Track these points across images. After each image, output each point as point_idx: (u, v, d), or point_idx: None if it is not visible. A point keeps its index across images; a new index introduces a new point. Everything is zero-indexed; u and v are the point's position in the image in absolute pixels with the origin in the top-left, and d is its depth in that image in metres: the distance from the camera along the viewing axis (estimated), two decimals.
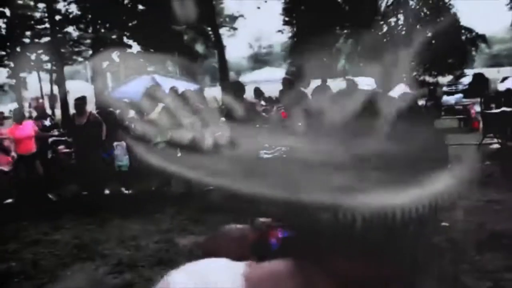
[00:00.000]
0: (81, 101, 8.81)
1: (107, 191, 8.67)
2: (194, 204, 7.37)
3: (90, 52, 24.53)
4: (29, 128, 8.94)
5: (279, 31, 24.84)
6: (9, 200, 8.54)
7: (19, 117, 9.03)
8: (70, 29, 24.73)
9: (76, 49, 24.52)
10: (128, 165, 8.66)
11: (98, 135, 8.47)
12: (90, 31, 23.97)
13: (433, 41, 17.48)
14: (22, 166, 8.71)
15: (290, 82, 7.06)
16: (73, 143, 9.19)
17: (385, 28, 20.02)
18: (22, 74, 24.56)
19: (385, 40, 19.75)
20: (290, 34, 24.33)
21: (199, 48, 26.78)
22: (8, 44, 22.84)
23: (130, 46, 24.35)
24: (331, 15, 19.83)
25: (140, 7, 24.71)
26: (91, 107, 10.66)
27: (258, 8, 24.10)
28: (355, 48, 22.67)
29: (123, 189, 8.66)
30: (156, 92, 9.82)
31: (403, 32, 19.09)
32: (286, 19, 24.00)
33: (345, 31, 21.66)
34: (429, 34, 17.88)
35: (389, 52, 17.04)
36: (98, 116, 8.85)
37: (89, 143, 8.25)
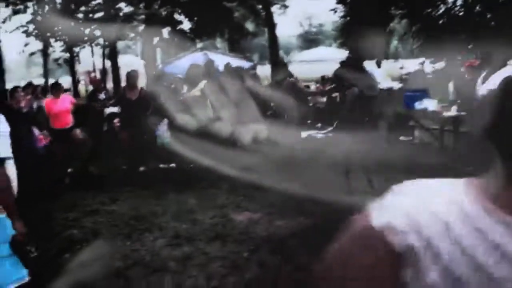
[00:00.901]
0: (133, 74, 8.85)
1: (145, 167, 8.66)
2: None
3: (142, 27, 24.67)
4: (66, 101, 9.03)
5: (332, 9, 24.34)
6: (69, 170, 8.72)
7: (56, 90, 9.12)
8: (123, 4, 24.92)
9: (128, 25, 24.68)
10: (169, 142, 8.66)
11: (147, 111, 8.47)
12: (142, 6, 24.06)
13: (493, 23, 16.79)
14: (58, 141, 8.81)
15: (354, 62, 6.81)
16: (121, 116, 9.22)
17: (442, 8, 19.30)
18: (75, 49, 24.96)
19: (441, 21, 19.06)
20: (342, 13, 23.82)
21: (249, 25, 26.57)
22: (62, 18, 23.21)
23: (180, 22, 24.35)
24: None
25: None
26: (142, 82, 10.73)
27: None
28: (409, 29, 22.03)
29: (173, 164, 8.66)
30: (211, 68, 9.79)
31: (461, 13, 18.39)
32: None
33: (400, 11, 20.98)
34: (489, 15, 17.20)
35: (446, 33, 16.51)
36: (148, 93, 8.87)
37: (138, 118, 8.25)
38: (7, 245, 3.09)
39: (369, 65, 15.37)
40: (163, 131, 8.80)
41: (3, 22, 23.41)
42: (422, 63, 17.98)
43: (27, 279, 3.24)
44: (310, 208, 5.92)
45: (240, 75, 8.69)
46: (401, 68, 19.83)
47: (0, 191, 3.05)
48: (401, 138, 8.77)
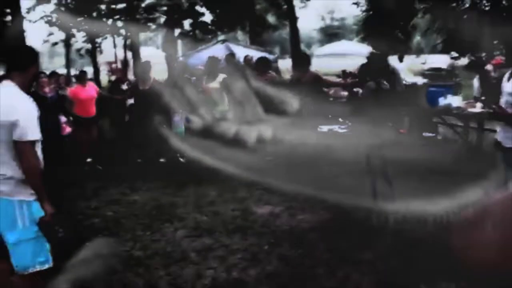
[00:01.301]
0: (145, 65, 8.90)
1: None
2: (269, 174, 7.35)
3: (163, 19, 24.75)
4: (92, 90, 9.07)
5: (354, 3, 24.18)
6: (89, 160, 8.77)
7: (83, 78, 9.17)
8: None
9: (150, 16, 24.76)
10: (184, 132, 8.63)
11: (158, 102, 8.42)
12: None
13: None
14: (82, 129, 8.86)
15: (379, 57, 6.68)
16: (134, 107, 9.24)
17: (467, 3, 19.05)
18: (97, 39, 25.11)
19: (465, 16, 18.79)
20: (365, 7, 23.66)
21: (271, 18, 26.50)
22: (85, 9, 23.38)
23: (202, 14, 24.38)
24: None
25: None
26: (163, 74, 10.73)
27: None
28: (433, 24, 21.79)
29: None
30: (231, 61, 9.77)
31: (487, 8, 18.12)
32: None
33: (423, 5, 20.76)
34: None
35: (470, 29, 16.26)
36: (160, 84, 8.86)
37: (149, 108, 8.21)
38: (32, 228, 3.16)
39: (391, 60, 15.22)
40: (178, 120, 8.79)
41: (27, 12, 23.59)
42: (455, 58, 17.61)
43: (48, 265, 3.28)
44: (331, 203, 5.87)
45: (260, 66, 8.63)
46: (424, 63, 19.60)
47: (32, 172, 3.13)
48: (424, 134, 8.65)
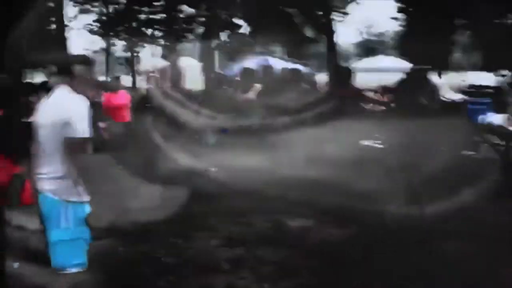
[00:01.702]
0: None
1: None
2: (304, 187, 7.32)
3: (201, 30, 25.04)
4: (123, 97, 9.14)
5: (393, 18, 24.02)
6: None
7: (115, 86, 9.25)
8: (184, 6, 25.38)
9: (188, 27, 25.10)
10: (215, 143, 8.62)
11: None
12: (203, 9, 24.43)
13: None
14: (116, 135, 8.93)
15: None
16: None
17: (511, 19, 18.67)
18: (136, 48, 25.59)
19: (509, 32, 18.42)
20: (404, 22, 23.43)
21: (308, 32, 26.46)
22: (125, 19, 23.90)
23: (240, 26, 24.56)
24: (452, 4, 18.81)
25: None
26: (196, 84, 10.81)
27: None
28: (473, 40, 21.46)
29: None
30: (269, 72, 9.79)
31: None
32: (401, 5, 23.09)
33: (464, 21, 20.46)
34: None
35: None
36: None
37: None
38: (75, 229, 3.22)
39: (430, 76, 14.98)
40: (209, 131, 8.81)
41: (71, 21, 24.23)
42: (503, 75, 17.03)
43: (84, 267, 3.32)
44: (364, 217, 5.79)
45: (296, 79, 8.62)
46: (464, 80, 19.22)
47: (79, 165, 3.23)
48: (464, 152, 8.46)
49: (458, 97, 10.98)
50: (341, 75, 8.12)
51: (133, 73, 25.04)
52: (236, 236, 5.52)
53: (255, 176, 7.68)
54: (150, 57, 26.14)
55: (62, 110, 3.23)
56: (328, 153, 7.84)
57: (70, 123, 3.17)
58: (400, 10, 23.89)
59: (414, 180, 6.29)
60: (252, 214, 6.27)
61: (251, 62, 14.34)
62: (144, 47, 25.75)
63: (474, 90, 10.75)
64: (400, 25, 24.70)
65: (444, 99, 10.69)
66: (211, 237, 5.51)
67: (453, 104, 9.94)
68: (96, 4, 25.00)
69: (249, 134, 7.54)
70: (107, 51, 26.07)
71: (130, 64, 26.06)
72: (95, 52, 26.07)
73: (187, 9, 25.05)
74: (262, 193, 7.02)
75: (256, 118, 7.79)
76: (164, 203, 6.77)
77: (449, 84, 15.28)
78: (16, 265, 4.15)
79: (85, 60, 3.60)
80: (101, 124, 9.16)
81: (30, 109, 4.48)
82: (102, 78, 23.77)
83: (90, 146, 3.38)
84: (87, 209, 3.28)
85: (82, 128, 3.23)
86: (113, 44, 25.28)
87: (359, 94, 7.54)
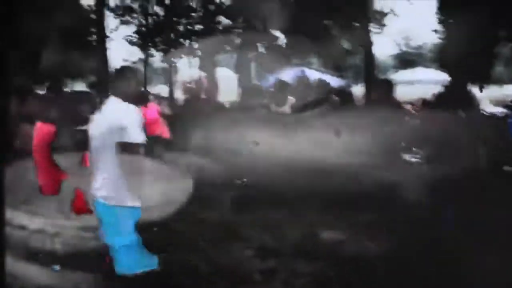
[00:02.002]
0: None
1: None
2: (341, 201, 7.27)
3: (238, 41, 25.18)
4: (154, 111, 9.19)
5: (433, 30, 23.67)
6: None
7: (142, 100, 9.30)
8: (222, 18, 25.63)
9: (226, 38, 25.29)
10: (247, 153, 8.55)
11: None
12: (240, 21, 24.60)
13: None
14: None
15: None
16: None
17: None
18: (174, 59, 25.90)
19: None
20: (444, 34, 23.03)
21: (345, 43, 26.32)
22: (163, 30, 24.28)
23: (277, 38, 24.60)
24: (495, 15, 18.39)
25: None
26: (235, 95, 10.84)
27: (411, 4, 23.06)
28: None
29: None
30: (305, 83, 9.74)
31: None
32: (442, 17, 22.72)
33: (507, 33, 19.97)
34: None
35: None
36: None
37: None
38: (134, 234, 3.28)
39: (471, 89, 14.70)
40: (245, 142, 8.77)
41: (111, 32, 24.73)
42: None
43: (151, 267, 3.37)
44: (402, 232, 5.71)
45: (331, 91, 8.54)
46: (506, 94, 18.81)
47: (132, 170, 3.38)
48: (505, 168, 8.22)
49: (499, 110, 10.73)
50: (381, 87, 7.98)
51: (171, 83, 25.35)
52: (270, 247, 5.51)
53: (289, 188, 7.67)
54: (188, 67, 26.42)
55: (116, 118, 3.40)
56: (368, 166, 7.76)
57: (124, 130, 3.33)
58: (440, 22, 23.49)
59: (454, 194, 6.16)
60: (287, 226, 6.24)
61: (287, 73, 14.34)
62: (181, 57, 26.03)
63: None
64: (440, 37, 24.26)
65: (484, 112, 10.46)
66: (245, 247, 5.51)
67: (493, 117, 9.71)
68: (135, 15, 25.47)
69: (282, 145, 7.51)
70: (145, 61, 26.49)
71: (168, 74, 26.41)
72: (133, 62, 26.54)
73: (224, 21, 25.29)
74: (296, 205, 7.01)
75: (291, 130, 7.74)
76: (197, 213, 6.82)
77: (490, 98, 14.98)
78: (56, 267, 4.20)
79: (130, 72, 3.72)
80: None
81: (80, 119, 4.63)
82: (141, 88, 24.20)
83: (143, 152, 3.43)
84: (140, 214, 3.34)
85: (136, 134, 3.37)
86: (151, 55, 25.67)
87: (398, 107, 7.41)
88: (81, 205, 3.88)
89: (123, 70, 3.97)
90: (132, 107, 3.49)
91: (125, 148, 3.28)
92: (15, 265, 3.96)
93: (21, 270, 4.13)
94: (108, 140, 3.35)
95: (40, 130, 4.72)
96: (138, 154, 3.36)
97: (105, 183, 3.35)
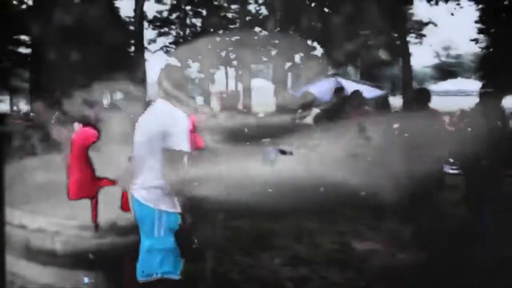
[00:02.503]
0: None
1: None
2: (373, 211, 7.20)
3: (274, 52, 25.31)
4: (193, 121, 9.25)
5: (473, 40, 23.25)
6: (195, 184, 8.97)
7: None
8: (258, 29, 25.83)
9: (262, 49, 25.45)
10: (274, 161, 8.51)
11: None
12: (276, 31, 24.72)
13: None
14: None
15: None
16: None
17: None
18: (211, 70, 26.21)
19: None
20: (484, 44, 22.63)
21: (383, 54, 26.15)
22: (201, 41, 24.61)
23: (314, 48, 24.63)
24: None
25: (326, 9, 24.90)
26: (271, 106, 10.83)
27: (452, 14, 22.69)
28: None
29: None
30: (340, 94, 9.66)
31: None
32: (482, 27, 22.34)
33: None
34: None
35: None
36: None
37: None
38: (166, 239, 3.29)
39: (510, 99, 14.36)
40: (271, 150, 8.73)
41: (149, 43, 25.20)
42: None
43: (175, 276, 3.35)
44: (434, 245, 5.59)
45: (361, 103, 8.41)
46: None
47: (178, 180, 3.29)
48: None
49: None
50: (419, 97, 7.84)
51: (206, 94, 25.63)
52: (302, 255, 5.47)
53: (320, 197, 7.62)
54: (224, 78, 26.68)
55: (163, 122, 3.33)
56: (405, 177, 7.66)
57: (171, 136, 3.26)
58: (480, 32, 23.13)
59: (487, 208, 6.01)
60: (320, 235, 6.18)
61: (324, 84, 14.30)
62: (218, 68, 26.33)
63: None
64: (480, 47, 23.87)
65: None
66: (277, 255, 5.48)
67: None
68: (173, 27, 25.91)
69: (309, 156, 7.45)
70: None
71: (204, 85, 26.71)
72: None
73: (261, 32, 25.45)
74: (331, 214, 6.95)
75: (312, 141, 7.68)
76: (229, 221, 6.83)
77: None
78: (86, 280, 4.23)
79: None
80: None
81: None
82: None
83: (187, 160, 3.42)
84: (179, 220, 3.34)
85: (183, 142, 3.28)
86: (188, 66, 26.02)
87: (435, 117, 7.28)
88: (127, 204, 3.98)
89: (178, 71, 3.88)
90: (181, 112, 3.44)
91: (170, 155, 3.29)
92: (15, 265, 4.03)
93: (22, 270, 4.21)
94: (153, 144, 3.32)
95: (83, 133, 4.78)
96: (181, 161, 3.35)
97: (146, 185, 3.37)
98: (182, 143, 3.27)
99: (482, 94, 5.46)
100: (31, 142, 7.09)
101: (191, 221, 3.33)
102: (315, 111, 7.91)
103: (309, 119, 7.89)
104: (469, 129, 8.52)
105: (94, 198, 4.20)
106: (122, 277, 4.15)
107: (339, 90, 10.04)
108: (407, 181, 7.63)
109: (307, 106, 8.11)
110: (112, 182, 4.27)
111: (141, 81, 18.88)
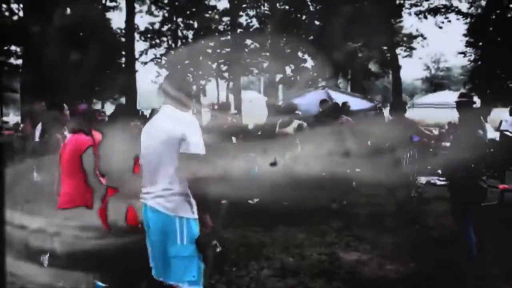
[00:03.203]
0: (224, 105, 9.11)
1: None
2: (360, 221, 7.25)
3: (266, 64, 25.41)
4: None
5: (461, 53, 23.45)
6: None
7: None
8: (249, 41, 25.93)
9: (253, 61, 25.55)
10: (256, 173, 8.51)
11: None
12: (267, 44, 24.84)
13: None
14: None
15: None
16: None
17: None
18: (202, 81, 26.24)
19: None
20: (473, 57, 22.85)
21: (373, 66, 26.34)
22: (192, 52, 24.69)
23: (304, 61, 24.76)
24: None
25: (317, 23, 25.07)
26: (262, 118, 10.86)
27: (440, 28, 22.95)
28: None
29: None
30: (325, 106, 9.75)
31: None
32: (470, 40, 22.55)
33: None
34: None
35: None
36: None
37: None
38: (189, 246, 3.25)
39: (501, 112, 14.51)
40: (254, 163, 8.72)
41: (140, 54, 25.22)
42: None
43: (198, 286, 3.31)
44: (421, 255, 5.64)
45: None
46: None
47: (196, 185, 3.27)
48: None
49: None
50: (397, 108, 8.04)
51: (197, 105, 25.67)
52: (290, 266, 5.48)
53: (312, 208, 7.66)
54: (215, 90, 26.72)
55: (177, 127, 3.29)
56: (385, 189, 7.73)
57: (186, 139, 3.23)
58: (468, 45, 23.35)
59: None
60: (307, 246, 6.20)
61: (314, 95, 14.36)
62: (209, 80, 26.37)
63: None
64: (469, 60, 24.09)
65: (509, 134, 10.30)
66: (264, 266, 5.48)
67: None
68: (164, 39, 25.97)
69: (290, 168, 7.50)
70: None
71: (196, 97, 26.74)
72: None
73: (251, 44, 25.55)
74: (318, 225, 6.98)
75: (290, 154, 7.73)
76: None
77: None
78: (101, 284, 4.19)
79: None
80: None
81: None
82: None
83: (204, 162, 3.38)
84: (196, 225, 3.31)
85: (196, 144, 3.26)
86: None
87: (413, 126, 7.45)
88: (133, 218, 3.90)
89: (184, 77, 3.87)
90: (190, 116, 3.42)
91: (184, 157, 3.25)
92: (15, 265, 3.99)
93: (22, 270, 4.17)
94: (168, 150, 3.28)
95: (75, 140, 4.67)
96: (197, 164, 3.30)
97: (162, 192, 3.32)
98: (199, 146, 3.26)
99: (458, 104, 5.50)
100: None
101: (212, 225, 3.31)
102: (296, 122, 7.99)
103: (290, 130, 7.95)
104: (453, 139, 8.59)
105: (102, 207, 4.16)
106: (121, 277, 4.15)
107: (324, 102, 10.15)
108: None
109: (288, 117, 8.20)
110: (116, 190, 4.23)
111: (132, 91, 18.90)
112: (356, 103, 13.26)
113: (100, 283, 4.15)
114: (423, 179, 8.58)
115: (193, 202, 3.30)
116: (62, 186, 4.45)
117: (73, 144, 4.56)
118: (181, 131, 3.24)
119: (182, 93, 3.47)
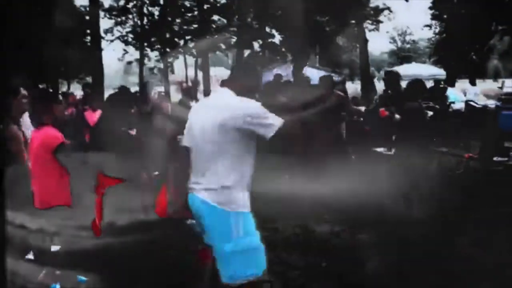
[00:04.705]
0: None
1: None
2: None
3: (234, 40, 25.23)
4: None
5: (427, 25, 23.76)
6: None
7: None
8: (216, 17, 25.69)
9: (221, 37, 25.34)
10: None
11: None
12: (235, 19, 24.64)
13: None
14: None
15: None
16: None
17: None
18: (170, 59, 25.96)
19: None
20: (438, 30, 23.17)
21: (340, 40, 26.39)
22: (159, 30, 24.36)
23: (272, 36, 24.65)
24: (487, 9, 18.44)
25: None
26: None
27: (406, 1, 23.09)
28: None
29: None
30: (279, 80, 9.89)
31: None
32: (436, 13, 22.80)
33: (502, 27, 20.03)
34: None
35: None
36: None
37: None
38: (245, 239, 3.16)
39: (464, 83, 14.84)
40: None
41: (105, 32, 24.75)
42: None
43: (258, 276, 3.19)
44: (392, 223, 5.78)
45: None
46: (500, 87, 18.86)
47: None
48: (495, 158, 8.31)
49: (491, 103, 10.81)
50: (390, 79, 8.06)
51: (166, 83, 25.44)
52: (264, 241, 5.54)
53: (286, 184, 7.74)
54: (183, 67, 26.47)
55: (241, 112, 3.12)
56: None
57: (254, 124, 3.08)
58: (434, 17, 23.60)
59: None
60: (281, 220, 6.27)
61: (282, 70, 14.42)
62: (177, 57, 26.10)
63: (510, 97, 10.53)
64: (434, 33, 24.39)
65: (474, 105, 10.54)
66: None
67: (483, 110, 9.80)
68: (130, 16, 25.52)
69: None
70: (140, 62, 26.54)
71: (163, 74, 26.48)
72: (129, 62, 26.56)
73: (219, 20, 25.33)
74: (291, 200, 7.05)
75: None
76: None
77: (484, 91, 15.05)
78: (83, 278, 4.14)
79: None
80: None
81: None
82: (136, 88, 24.24)
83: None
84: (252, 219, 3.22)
85: (272, 120, 3.11)
86: (147, 55, 25.71)
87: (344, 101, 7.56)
88: (163, 209, 3.72)
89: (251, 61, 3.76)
90: (246, 99, 3.19)
91: (247, 145, 3.13)
92: (16, 264, 3.95)
93: (22, 269, 4.12)
94: (227, 138, 3.08)
95: (44, 134, 4.40)
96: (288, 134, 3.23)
97: (214, 184, 3.12)
98: (271, 128, 3.08)
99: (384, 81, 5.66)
100: None
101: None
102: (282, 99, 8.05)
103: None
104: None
105: (98, 203, 3.97)
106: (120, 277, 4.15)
107: (278, 76, 10.33)
108: None
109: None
110: (118, 181, 4.00)
111: (99, 70, 18.57)
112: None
113: (81, 277, 4.09)
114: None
115: (248, 195, 3.20)
116: (33, 186, 4.27)
117: (41, 139, 4.32)
118: (248, 116, 3.08)
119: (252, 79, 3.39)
